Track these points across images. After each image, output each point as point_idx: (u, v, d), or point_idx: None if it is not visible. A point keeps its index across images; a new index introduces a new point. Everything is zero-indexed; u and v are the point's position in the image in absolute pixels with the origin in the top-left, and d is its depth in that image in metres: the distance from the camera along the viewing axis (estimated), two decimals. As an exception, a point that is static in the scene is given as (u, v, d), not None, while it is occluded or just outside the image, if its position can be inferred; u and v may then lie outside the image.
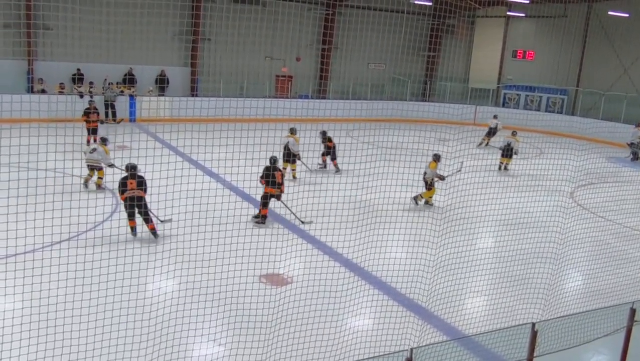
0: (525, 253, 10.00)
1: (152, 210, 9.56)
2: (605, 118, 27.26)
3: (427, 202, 13.66)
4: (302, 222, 11.25)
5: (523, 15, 30.78)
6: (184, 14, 24.90)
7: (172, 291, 7.23)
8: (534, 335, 5.66)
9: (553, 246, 9.22)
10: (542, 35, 31.68)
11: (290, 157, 15.00)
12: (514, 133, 19.22)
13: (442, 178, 13.29)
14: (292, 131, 15.23)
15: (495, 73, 33.00)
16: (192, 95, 25.52)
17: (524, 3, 26.62)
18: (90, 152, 13.30)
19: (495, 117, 24.24)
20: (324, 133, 16.32)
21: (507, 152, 18.57)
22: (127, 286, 6.51)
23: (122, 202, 9.99)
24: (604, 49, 29.30)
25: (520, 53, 32.59)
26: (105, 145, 13.42)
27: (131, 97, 23.56)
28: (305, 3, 27.82)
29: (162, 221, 10.18)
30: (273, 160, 11.66)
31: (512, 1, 26.43)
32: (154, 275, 6.74)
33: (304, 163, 15.78)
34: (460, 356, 5.93)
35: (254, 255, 7.41)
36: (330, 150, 16.35)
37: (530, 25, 31.98)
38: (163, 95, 24.69)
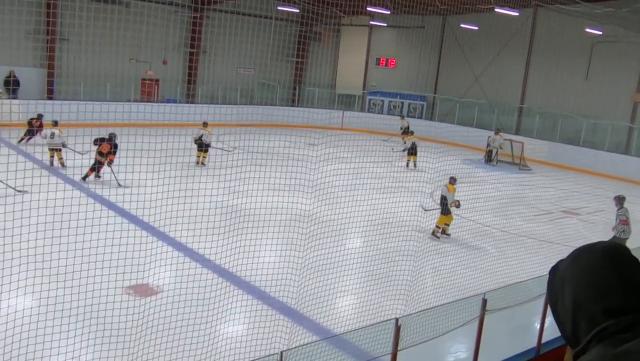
0: (389, 251, 10.44)
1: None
2: (460, 123, 29.36)
3: (444, 231, 12.84)
4: (120, 185, 12.97)
5: (385, 25, 32.27)
6: (38, 11, 23.22)
7: (24, 309, 6.68)
8: (398, 329, 5.89)
9: (414, 243, 9.72)
10: (402, 44, 33.42)
11: (203, 146, 18.16)
12: (412, 133, 21.90)
13: (458, 205, 12.78)
14: (205, 124, 18.47)
15: (361, 80, 34.27)
16: (49, 98, 23.85)
17: (385, 13, 27.90)
18: (51, 137, 15.55)
19: (403, 117, 28.12)
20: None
21: (413, 150, 21.23)
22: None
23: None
24: (457, 58, 31.53)
25: (383, 61, 34.11)
26: (57, 125, 15.87)
27: (-24, 99, 21.52)
28: (172, 5, 27.10)
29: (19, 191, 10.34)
30: (109, 136, 14.34)
31: (374, 11, 27.59)
32: (1, 293, 6.17)
33: (222, 149, 17.14)
34: (330, 355, 6.03)
35: (115, 266, 7.05)
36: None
37: (392, 35, 33.62)
38: (15, 98, 22.81)
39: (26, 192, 11.19)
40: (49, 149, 15.63)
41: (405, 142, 24.81)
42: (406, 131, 26.61)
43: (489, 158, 24.78)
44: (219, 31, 27.32)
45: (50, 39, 24.07)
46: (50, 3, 23.34)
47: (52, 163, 15.51)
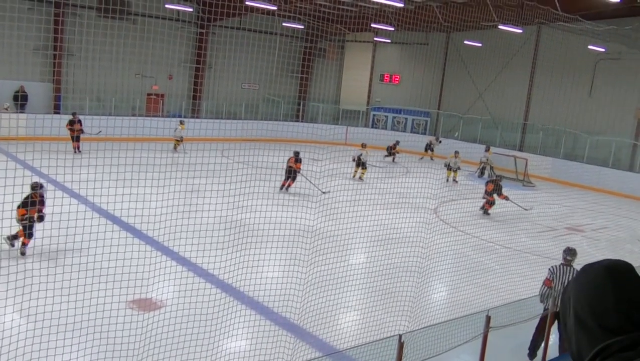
0: (393, 267, 10.42)
1: None
2: (464, 140, 29.38)
3: None
4: (323, 192, 13.55)
5: (389, 41, 32.46)
6: (46, 27, 23.48)
7: (27, 323, 6.68)
8: (401, 346, 5.88)
9: (418, 259, 9.70)
10: (406, 60, 33.58)
11: (362, 164, 20.79)
12: (456, 153, 22.54)
13: None
14: (364, 145, 21.16)
15: (365, 95, 34.39)
16: (55, 113, 24.00)
17: (389, 30, 28.09)
18: (175, 131, 22.94)
19: (437, 139, 28.74)
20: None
21: (454, 166, 22.48)
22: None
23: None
24: (461, 75, 31.65)
25: (387, 77, 34.23)
26: (182, 124, 23.25)
27: (-17, 113, 21.68)
28: (178, 21, 27.37)
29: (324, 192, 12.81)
30: (295, 153, 17.16)
31: (378, 28, 27.77)
32: (5, 306, 6.19)
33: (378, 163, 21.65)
34: (332, 372, 6.01)
35: (119, 280, 7.06)
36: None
37: (396, 51, 33.80)
38: (22, 112, 22.97)
39: (329, 192, 13.35)
40: (175, 139, 22.80)
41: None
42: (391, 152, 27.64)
43: (482, 172, 24.75)
44: (224, 47, 27.52)
45: (57, 54, 24.30)
46: (58, 20, 23.62)
47: (175, 148, 22.70)
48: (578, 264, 11.88)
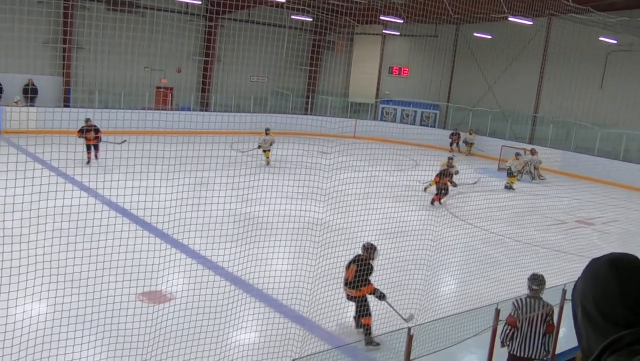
0: (402, 260, 10.39)
1: None
2: (473, 132, 29.26)
3: None
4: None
5: (398, 34, 32.31)
6: (55, 21, 23.58)
7: (39, 315, 6.74)
8: (410, 339, 5.87)
9: (427, 253, 9.68)
10: (415, 53, 33.42)
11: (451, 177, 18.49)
12: (517, 155, 21.66)
13: None
14: (451, 159, 19.12)
15: (373, 88, 34.26)
16: (65, 106, 24.13)
17: (398, 22, 27.95)
18: (265, 139, 20.68)
19: (474, 131, 29.01)
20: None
21: (514, 170, 20.92)
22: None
23: None
24: (471, 67, 31.47)
25: (396, 69, 34.08)
26: (267, 134, 20.69)
27: (-6, 107, 21.84)
28: (187, 14, 27.37)
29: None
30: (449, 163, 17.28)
31: (388, 20, 27.64)
32: (17, 298, 6.24)
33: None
34: (341, 364, 6.02)
35: (129, 273, 7.10)
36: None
37: (405, 44, 33.64)
38: (32, 106, 23.11)
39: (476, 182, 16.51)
40: (263, 150, 20.60)
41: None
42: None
43: (533, 176, 23.88)
44: (233, 40, 27.53)
45: (67, 47, 24.40)
46: (68, 13, 23.69)
47: (267, 164, 20.30)
48: (588, 258, 11.82)
